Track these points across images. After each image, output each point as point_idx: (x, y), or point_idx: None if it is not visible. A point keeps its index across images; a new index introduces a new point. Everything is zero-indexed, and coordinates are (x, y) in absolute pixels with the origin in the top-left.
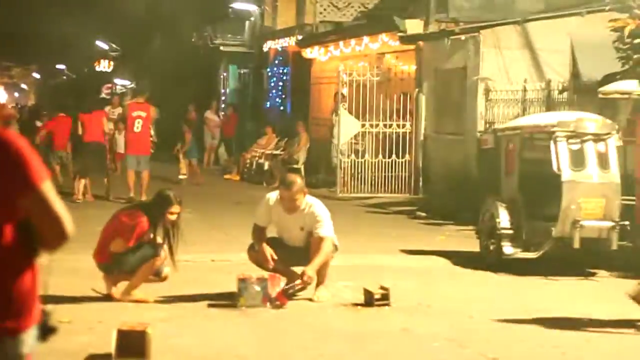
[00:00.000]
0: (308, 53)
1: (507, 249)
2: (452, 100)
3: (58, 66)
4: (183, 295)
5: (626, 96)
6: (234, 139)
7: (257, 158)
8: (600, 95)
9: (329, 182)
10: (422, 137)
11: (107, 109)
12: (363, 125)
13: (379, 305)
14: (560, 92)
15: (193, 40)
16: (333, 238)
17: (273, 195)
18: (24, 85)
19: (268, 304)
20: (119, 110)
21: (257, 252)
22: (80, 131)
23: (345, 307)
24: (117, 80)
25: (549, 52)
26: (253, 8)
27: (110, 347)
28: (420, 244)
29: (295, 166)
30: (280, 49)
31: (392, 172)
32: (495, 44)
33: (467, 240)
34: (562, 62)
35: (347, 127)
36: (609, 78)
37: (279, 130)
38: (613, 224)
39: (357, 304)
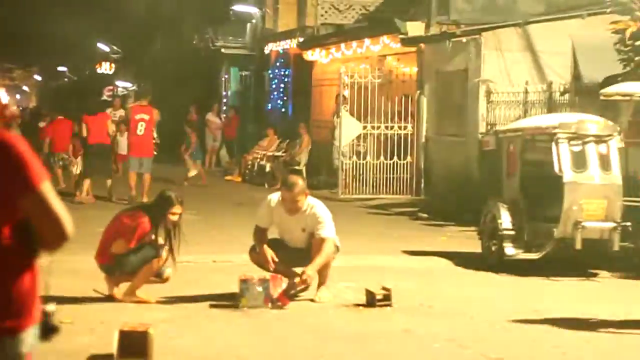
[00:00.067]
0: (309, 55)
1: (509, 249)
2: (454, 102)
3: (59, 68)
4: (185, 296)
5: (627, 98)
6: (235, 140)
7: (258, 160)
8: (601, 97)
9: (330, 183)
10: (423, 139)
11: (109, 110)
12: (364, 127)
13: (380, 306)
14: (562, 94)
15: (194, 42)
16: (335, 239)
17: (274, 197)
18: (25, 87)
19: (270, 304)
20: (121, 112)
21: (258, 253)
22: (84, 133)
23: (347, 307)
24: (118, 83)
25: (550, 54)
26: (254, 10)
27: (112, 347)
28: (421, 245)
29: (296, 168)
30: (281, 51)
31: (393, 173)
32: (496, 46)
33: (468, 242)
34: (563, 64)
35: (348, 128)
36: (610, 80)
37: (280, 132)
38: (615, 225)
39: (358, 305)
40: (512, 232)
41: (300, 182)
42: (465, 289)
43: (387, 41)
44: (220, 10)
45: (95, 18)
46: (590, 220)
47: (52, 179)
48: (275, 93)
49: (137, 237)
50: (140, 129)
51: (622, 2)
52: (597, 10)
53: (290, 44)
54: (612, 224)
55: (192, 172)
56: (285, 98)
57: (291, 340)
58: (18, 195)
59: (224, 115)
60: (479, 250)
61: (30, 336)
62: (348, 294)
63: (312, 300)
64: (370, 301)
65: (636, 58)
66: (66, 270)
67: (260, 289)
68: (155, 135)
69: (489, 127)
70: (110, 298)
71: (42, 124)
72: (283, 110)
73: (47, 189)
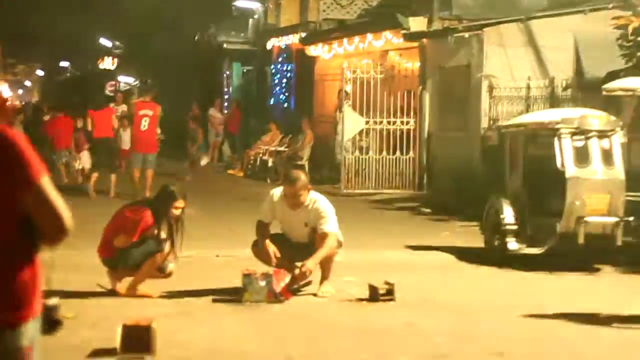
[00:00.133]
0: (312, 50)
1: (512, 244)
2: (456, 98)
3: (62, 64)
4: (188, 291)
5: (630, 93)
6: (237, 136)
7: (261, 155)
8: (604, 93)
9: (333, 178)
10: (426, 134)
11: (111, 105)
12: (367, 122)
13: (383, 301)
14: (564, 89)
15: (196, 38)
16: (337, 234)
17: (277, 192)
18: (27, 83)
19: (273, 299)
20: (123, 107)
21: (261, 248)
22: (90, 127)
23: (350, 302)
24: (120, 78)
25: (552, 49)
26: (256, 5)
27: (115, 342)
28: (424, 240)
29: (299, 163)
30: (283, 47)
31: (396, 168)
32: (498, 41)
33: (471, 237)
34: (565, 60)
35: (351, 124)
36: (613, 75)
37: (282, 127)
38: (617, 219)
39: (361, 299)
40: (515, 227)
41: (302, 177)
42: (468, 283)
43: (390, 36)
44: (222, 6)
45: (97, 13)
46: (593, 215)
47: (55, 176)
48: (278, 88)
49: (140, 230)
50: (144, 124)
51: None
52: (600, 5)
53: (293, 39)
54: (615, 219)
55: (204, 161)
56: (287, 93)
57: (294, 334)
58: (17, 190)
59: (226, 111)
60: (481, 245)
61: (30, 329)
62: (351, 288)
63: (315, 295)
64: (373, 296)
65: (638, 53)
66: (69, 265)
67: (263, 283)
68: (158, 131)
69: (491, 122)
70: (113, 293)
71: (46, 118)
72: (285, 105)
73: (47, 184)
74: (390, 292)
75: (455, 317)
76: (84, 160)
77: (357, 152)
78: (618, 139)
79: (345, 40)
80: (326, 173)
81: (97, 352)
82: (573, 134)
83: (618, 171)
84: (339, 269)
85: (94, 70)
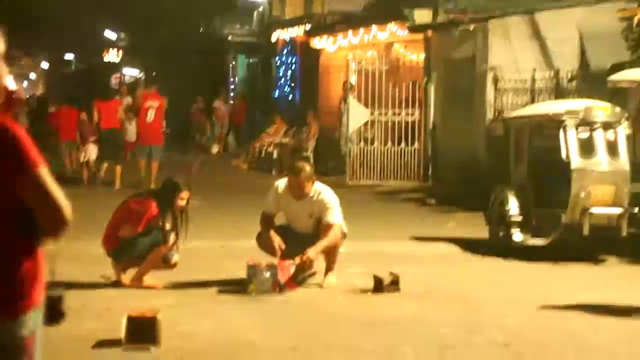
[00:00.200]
0: (316, 43)
1: (517, 235)
2: (461, 89)
3: (66, 57)
4: (193, 282)
5: (635, 84)
6: (242, 128)
7: (266, 147)
8: (609, 84)
9: (338, 170)
10: (431, 126)
11: (117, 97)
12: (372, 114)
13: (388, 292)
14: (569, 80)
15: (201, 30)
16: (342, 225)
17: (282, 183)
18: (32, 75)
19: (277, 290)
20: (128, 99)
21: (265, 240)
22: (97, 118)
23: (355, 293)
24: (125, 70)
25: (557, 41)
26: None
27: (120, 333)
28: (429, 231)
29: (304, 154)
30: (288, 39)
31: (401, 160)
32: (503, 33)
33: (476, 228)
34: (570, 51)
35: (356, 115)
36: (618, 67)
37: (287, 119)
38: (622, 211)
39: (366, 290)
40: (520, 218)
41: (307, 168)
42: (473, 274)
43: (395, 28)
44: None
45: (102, 6)
46: (598, 206)
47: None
48: (283, 80)
49: (145, 220)
50: (150, 116)
51: None
52: None
53: (298, 32)
54: (620, 210)
55: (215, 149)
56: (292, 85)
57: (299, 325)
58: (16, 180)
59: (231, 102)
60: (486, 236)
61: (30, 320)
62: (356, 279)
63: (319, 286)
64: (378, 287)
65: None
66: (73, 256)
67: (268, 274)
68: (164, 124)
69: (496, 113)
70: (117, 284)
71: (52, 109)
72: (290, 97)
73: (45, 175)
74: (395, 283)
75: (461, 308)
76: (89, 152)
77: (362, 144)
78: (623, 130)
79: (350, 32)
80: (331, 164)
81: (102, 343)
82: (578, 125)
83: (623, 162)
84: (344, 260)
85: (98, 63)
